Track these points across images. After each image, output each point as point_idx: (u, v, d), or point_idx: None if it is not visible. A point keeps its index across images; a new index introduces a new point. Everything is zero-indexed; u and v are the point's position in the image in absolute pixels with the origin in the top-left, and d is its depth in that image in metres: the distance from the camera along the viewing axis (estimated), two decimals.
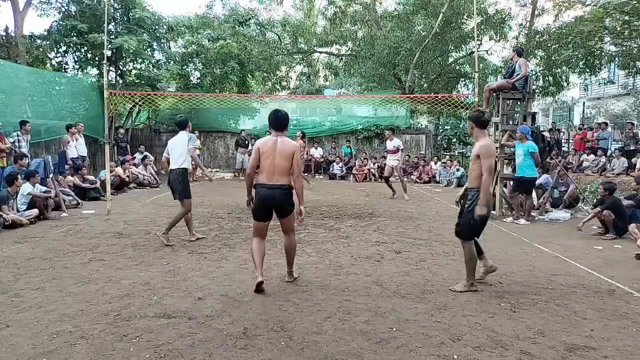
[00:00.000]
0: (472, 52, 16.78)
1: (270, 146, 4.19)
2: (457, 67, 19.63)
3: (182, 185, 5.97)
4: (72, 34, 13.04)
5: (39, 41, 13.56)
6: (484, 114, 4.40)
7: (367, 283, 4.48)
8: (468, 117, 4.48)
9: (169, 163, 6.07)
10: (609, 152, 13.54)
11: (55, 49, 13.75)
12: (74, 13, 13.28)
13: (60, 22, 13.33)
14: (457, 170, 14.17)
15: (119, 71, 14.37)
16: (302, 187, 4.43)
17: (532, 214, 8.30)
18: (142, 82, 13.95)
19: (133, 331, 3.28)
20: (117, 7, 13.93)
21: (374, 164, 15.75)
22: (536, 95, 16.84)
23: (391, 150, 10.91)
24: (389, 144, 10.97)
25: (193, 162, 6.27)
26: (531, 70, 15.37)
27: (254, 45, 18.57)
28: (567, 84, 18.25)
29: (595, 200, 8.03)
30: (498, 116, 8.51)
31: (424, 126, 20.19)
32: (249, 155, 14.97)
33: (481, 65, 16.54)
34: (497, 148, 8.56)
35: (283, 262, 5.14)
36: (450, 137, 19.04)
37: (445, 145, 19.03)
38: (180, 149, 6.00)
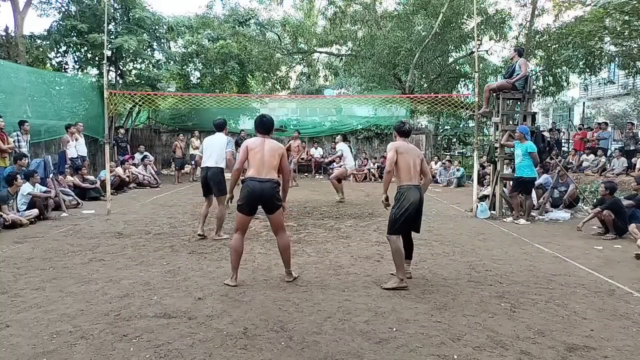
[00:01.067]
0: (472, 52, 16.78)
1: (259, 143, 4.35)
2: (457, 67, 19.63)
3: (220, 183, 6.23)
4: (72, 34, 13.05)
5: (39, 41, 13.56)
6: (404, 124, 4.66)
7: (367, 283, 4.47)
8: (394, 127, 4.84)
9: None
10: (609, 152, 13.54)
11: (55, 49, 13.75)
12: (74, 13, 13.29)
13: (60, 22, 13.34)
14: (458, 170, 14.17)
15: (119, 71, 14.38)
16: (288, 187, 4.62)
17: (532, 214, 8.30)
18: (142, 82, 13.96)
19: (133, 331, 3.28)
20: (117, 7, 13.94)
21: (373, 164, 15.75)
22: (536, 95, 16.82)
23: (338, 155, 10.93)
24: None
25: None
26: (531, 70, 15.37)
27: (254, 45, 18.57)
28: (567, 84, 18.24)
29: (595, 200, 8.03)
30: (498, 116, 8.51)
31: (424, 126, 20.19)
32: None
33: (481, 65, 16.54)
34: (496, 148, 8.59)
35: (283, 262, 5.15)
36: (450, 137, 19.04)
37: (445, 145, 19.03)
38: (218, 150, 6.28)
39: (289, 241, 4.49)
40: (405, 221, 4.35)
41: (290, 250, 4.53)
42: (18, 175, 7.58)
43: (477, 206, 8.46)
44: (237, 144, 15.61)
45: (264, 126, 4.45)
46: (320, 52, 22.73)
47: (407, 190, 4.36)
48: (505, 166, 8.60)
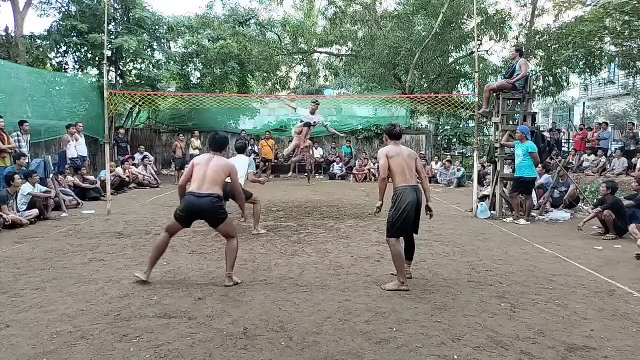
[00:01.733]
0: (472, 52, 16.77)
1: (205, 159, 4.44)
2: (457, 67, 19.62)
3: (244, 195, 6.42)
4: (72, 34, 13.04)
5: (39, 41, 13.56)
6: (394, 127, 4.65)
7: (367, 283, 4.47)
8: (384, 130, 4.84)
9: None
10: (609, 152, 13.54)
11: (55, 49, 13.75)
12: (74, 13, 13.28)
13: (60, 22, 13.33)
14: (458, 170, 14.16)
15: (119, 71, 14.37)
16: (244, 203, 4.84)
17: (532, 214, 8.29)
18: (142, 82, 13.95)
19: (133, 331, 3.28)
20: (117, 7, 13.93)
21: (373, 164, 15.75)
22: (536, 95, 16.84)
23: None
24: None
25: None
26: (531, 70, 15.36)
27: (254, 45, 18.56)
28: (567, 84, 18.24)
29: (595, 200, 8.03)
30: (498, 116, 8.51)
31: (424, 126, 20.19)
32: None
33: (481, 65, 16.53)
34: (496, 148, 8.59)
35: (283, 262, 5.17)
36: (450, 137, 19.04)
37: (445, 145, 19.03)
38: (241, 170, 6.43)
39: (235, 247, 4.42)
40: (404, 223, 4.29)
41: (236, 255, 4.44)
42: (16, 175, 7.56)
43: (477, 206, 8.46)
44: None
45: (216, 143, 4.55)
46: (320, 52, 22.73)
47: (402, 192, 4.31)
48: (505, 166, 8.59)
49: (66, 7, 13.70)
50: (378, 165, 4.59)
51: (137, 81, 14.25)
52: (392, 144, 4.58)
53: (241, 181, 6.49)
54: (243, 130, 16.64)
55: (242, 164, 6.59)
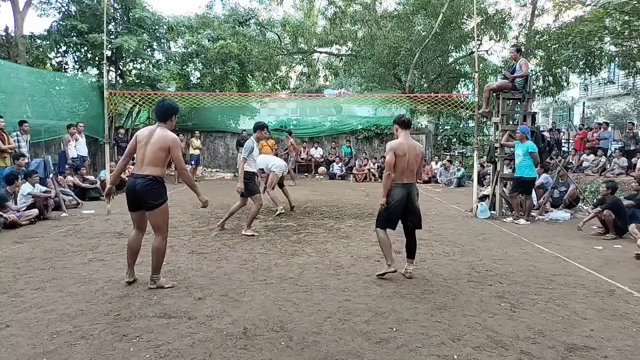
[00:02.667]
0: (472, 52, 16.77)
1: (146, 135, 4.15)
2: (457, 67, 19.63)
3: (246, 185, 6.55)
4: (72, 34, 13.04)
5: (39, 41, 13.55)
6: (404, 115, 4.76)
7: (367, 283, 4.47)
8: (393, 120, 4.87)
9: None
10: (609, 152, 13.54)
11: (55, 49, 13.74)
12: (74, 13, 13.28)
13: (60, 22, 13.32)
14: (458, 170, 14.17)
15: (119, 71, 14.37)
16: (190, 181, 4.43)
17: (532, 214, 8.30)
18: (142, 82, 13.95)
19: (133, 331, 3.28)
20: (117, 7, 13.93)
21: (374, 164, 15.75)
22: (536, 95, 16.83)
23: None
24: None
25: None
26: (531, 70, 15.39)
27: (254, 45, 18.57)
28: (567, 84, 18.24)
29: (595, 200, 8.03)
30: (498, 116, 8.51)
31: (424, 126, 20.19)
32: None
33: (481, 65, 16.53)
34: (496, 148, 8.59)
35: (283, 262, 5.16)
36: (450, 137, 19.04)
37: (445, 145, 19.03)
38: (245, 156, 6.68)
39: (163, 248, 4.17)
40: (389, 217, 4.55)
41: (163, 257, 4.22)
42: (18, 175, 7.59)
43: (477, 206, 8.46)
44: (239, 144, 15.65)
45: (159, 112, 4.22)
46: (320, 52, 22.74)
47: (393, 189, 4.51)
48: (505, 166, 8.60)
49: (66, 7, 13.69)
50: (385, 159, 4.63)
51: (137, 81, 14.25)
52: (402, 135, 4.61)
53: (250, 168, 6.57)
54: (244, 130, 16.64)
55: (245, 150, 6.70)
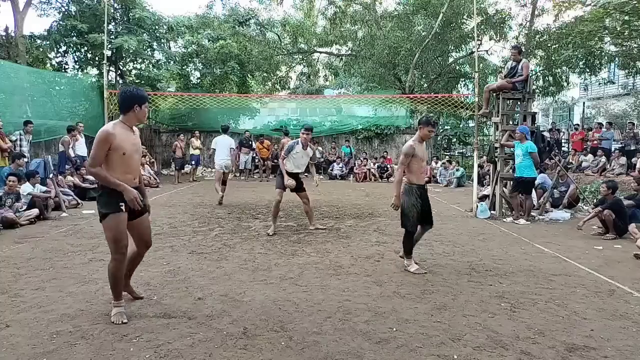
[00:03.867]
0: (472, 52, 16.78)
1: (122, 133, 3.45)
2: (457, 67, 19.65)
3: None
4: (72, 34, 13.06)
5: (39, 41, 13.58)
6: (425, 116, 5.09)
7: (367, 283, 4.47)
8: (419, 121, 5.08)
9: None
10: (611, 153, 13.54)
11: (55, 49, 13.77)
12: (74, 13, 13.30)
13: (60, 22, 13.35)
14: (457, 170, 14.17)
15: (119, 71, 14.39)
16: (102, 177, 3.36)
17: (532, 214, 8.30)
18: (142, 82, 13.98)
19: (133, 331, 3.28)
20: (117, 7, 13.95)
21: (374, 164, 15.76)
22: (536, 95, 16.84)
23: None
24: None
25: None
26: (531, 71, 15.41)
27: (254, 45, 18.59)
28: (567, 84, 18.27)
29: (595, 200, 8.03)
30: (498, 116, 8.51)
31: None
32: (248, 145, 15.47)
33: (481, 65, 16.54)
34: (496, 148, 8.59)
35: (283, 262, 5.17)
36: (450, 137, 19.05)
37: (445, 145, 19.04)
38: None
39: (112, 268, 3.44)
40: (416, 217, 4.90)
41: (115, 280, 3.48)
42: (11, 177, 7.55)
43: (477, 206, 8.46)
44: (242, 144, 15.67)
45: (118, 101, 3.52)
46: (320, 52, 22.75)
47: (416, 190, 4.90)
48: (505, 166, 8.60)
49: (66, 7, 13.72)
50: (402, 157, 4.87)
51: (137, 81, 14.27)
52: (419, 139, 4.84)
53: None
54: (247, 130, 16.64)
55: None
